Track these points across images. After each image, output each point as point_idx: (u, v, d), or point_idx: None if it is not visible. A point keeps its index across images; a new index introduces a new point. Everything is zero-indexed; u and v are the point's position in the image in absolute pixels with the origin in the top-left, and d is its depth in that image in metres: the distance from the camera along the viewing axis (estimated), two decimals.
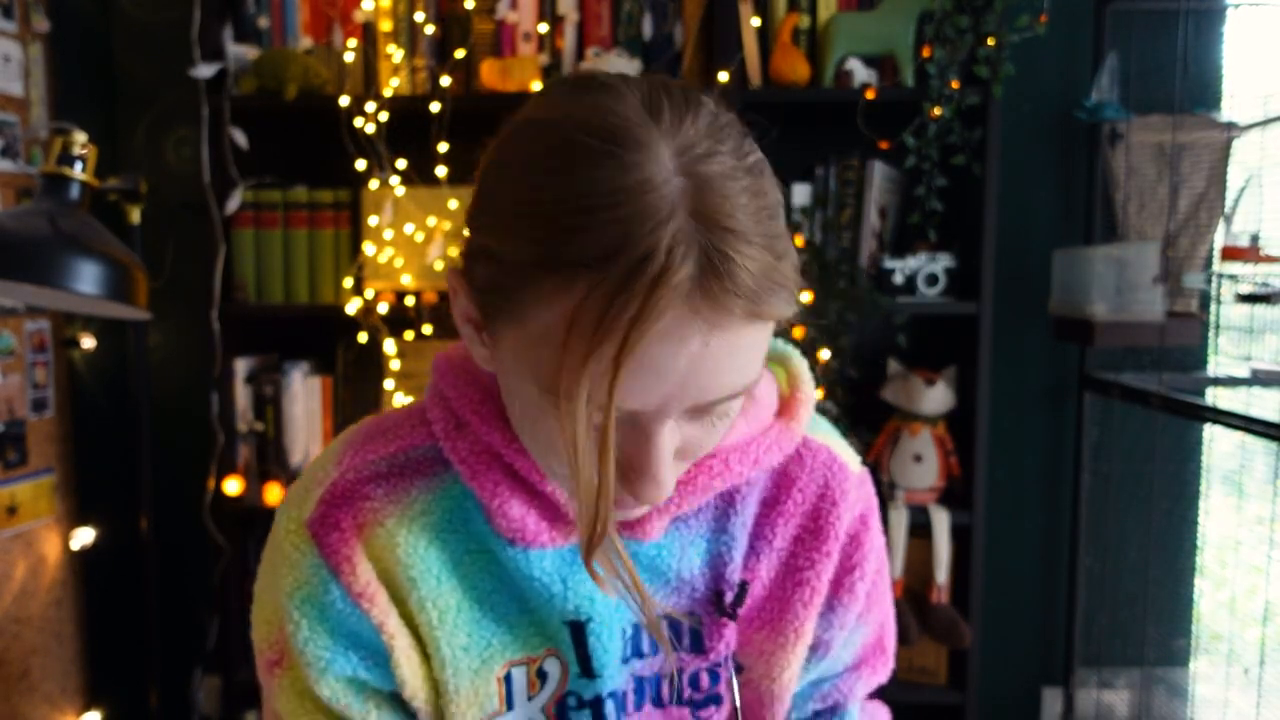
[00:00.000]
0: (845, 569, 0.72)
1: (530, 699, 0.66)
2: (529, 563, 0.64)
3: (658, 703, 0.70)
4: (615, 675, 0.67)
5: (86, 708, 2.20)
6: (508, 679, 0.66)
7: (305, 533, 0.64)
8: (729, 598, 0.68)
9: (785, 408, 0.70)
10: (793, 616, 0.69)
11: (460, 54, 1.96)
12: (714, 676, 0.70)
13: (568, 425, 0.50)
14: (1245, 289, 1.75)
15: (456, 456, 0.64)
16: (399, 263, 1.96)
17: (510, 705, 0.66)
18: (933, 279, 1.95)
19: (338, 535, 0.63)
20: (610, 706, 0.67)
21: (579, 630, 0.65)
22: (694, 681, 0.70)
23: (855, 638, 0.75)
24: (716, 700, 0.71)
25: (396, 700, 0.66)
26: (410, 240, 1.95)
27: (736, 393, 0.53)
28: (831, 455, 0.72)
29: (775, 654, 0.69)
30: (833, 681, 0.77)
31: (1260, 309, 1.73)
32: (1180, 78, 1.89)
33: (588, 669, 0.66)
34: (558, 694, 0.67)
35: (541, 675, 0.66)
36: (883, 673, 0.78)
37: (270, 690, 0.67)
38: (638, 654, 0.68)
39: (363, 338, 1.96)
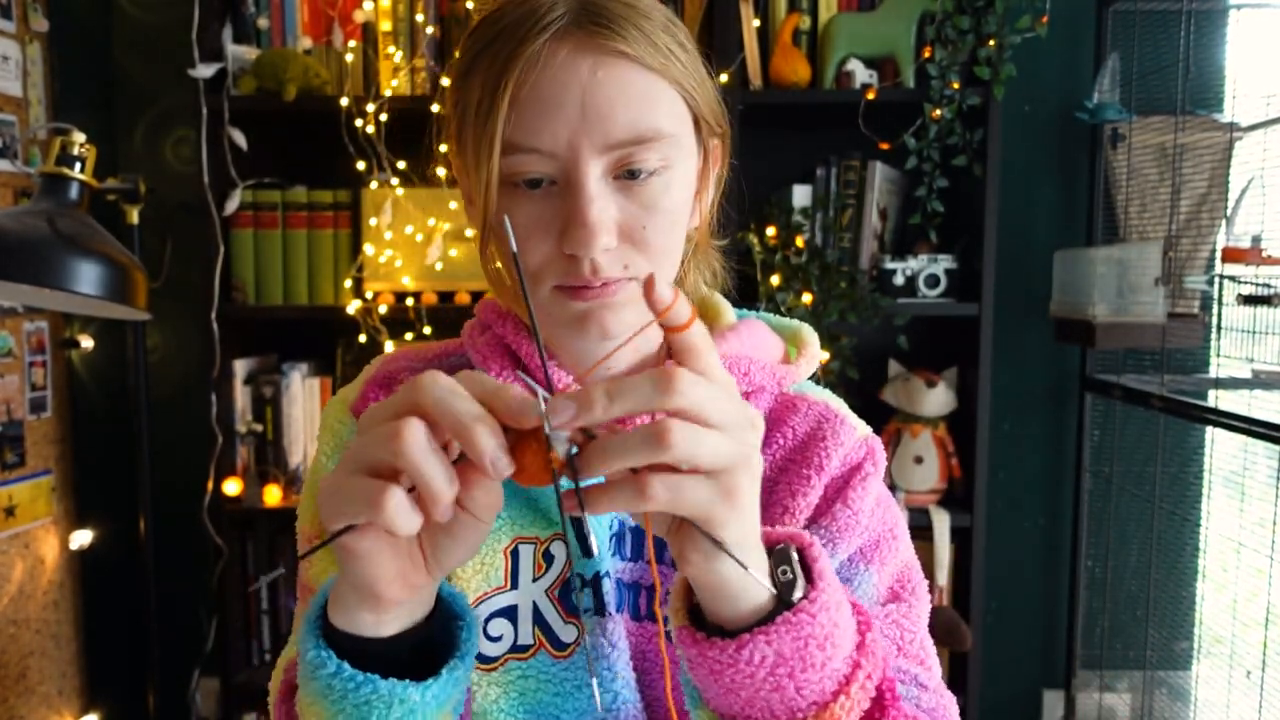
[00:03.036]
0: (830, 498, 0.72)
1: (535, 580, 0.70)
2: None
3: (635, 615, 0.71)
4: (607, 558, 0.70)
5: (84, 710, 2.19)
6: (514, 554, 0.70)
7: (348, 412, 0.75)
8: None
9: (789, 360, 0.76)
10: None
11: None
12: None
13: (483, 174, 0.61)
14: (1247, 290, 1.74)
15: (473, 348, 0.74)
16: (399, 263, 1.95)
17: (515, 584, 0.69)
18: (933, 280, 1.94)
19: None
20: (608, 584, 0.69)
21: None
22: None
23: (865, 586, 0.73)
24: None
25: None
26: (410, 241, 1.95)
27: (644, 134, 0.61)
28: (829, 409, 0.75)
29: None
30: None
31: (1262, 310, 1.72)
32: (1182, 79, 1.88)
33: (587, 548, 0.69)
34: (562, 575, 0.70)
35: (548, 558, 0.70)
36: (906, 617, 0.74)
37: (307, 564, 0.72)
38: (620, 555, 0.71)
39: (362, 339, 1.96)
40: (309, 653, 0.53)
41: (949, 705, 0.69)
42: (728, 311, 0.78)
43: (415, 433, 0.45)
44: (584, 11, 0.61)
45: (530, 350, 0.71)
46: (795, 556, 0.55)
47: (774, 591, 0.53)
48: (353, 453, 0.47)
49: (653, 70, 0.62)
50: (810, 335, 0.78)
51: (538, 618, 0.69)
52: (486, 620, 0.69)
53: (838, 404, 0.77)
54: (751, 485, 0.49)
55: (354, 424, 0.72)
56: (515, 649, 0.69)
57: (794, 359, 0.76)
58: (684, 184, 0.65)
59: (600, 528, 0.70)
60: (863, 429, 0.76)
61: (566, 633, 0.69)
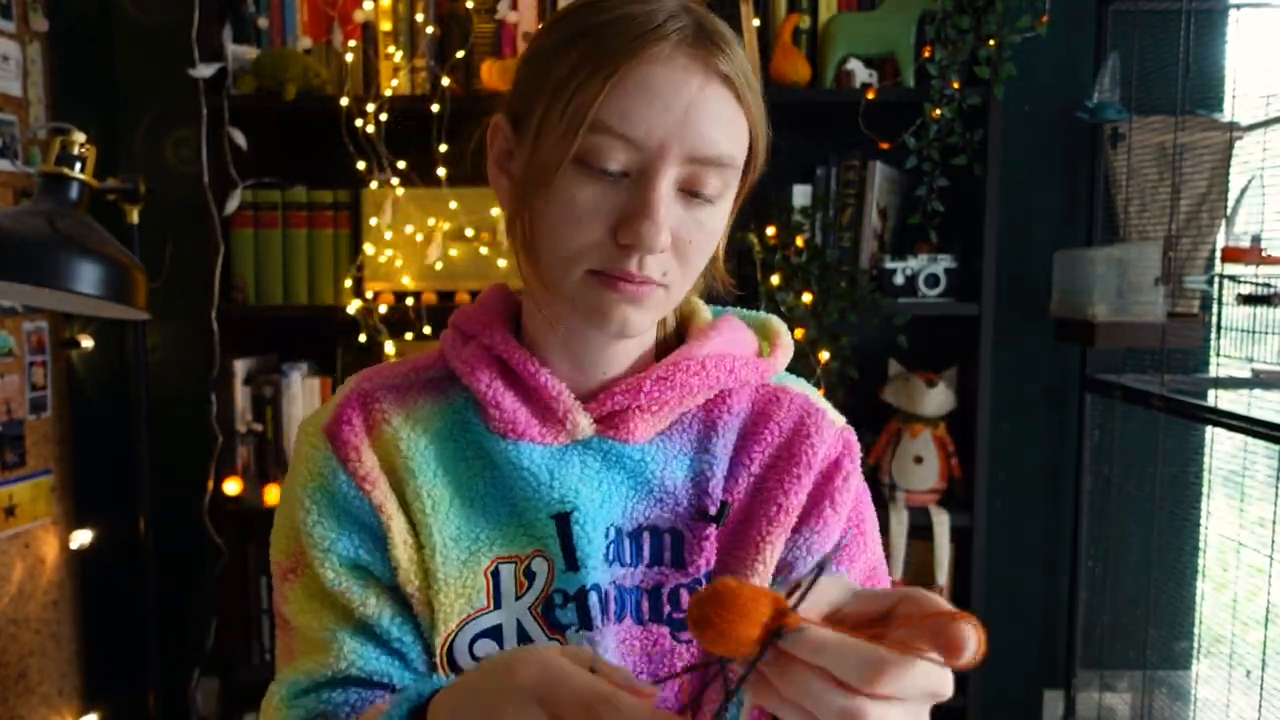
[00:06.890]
0: (816, 498, 0.74)
1: (518, 599, 0.70)
2: (519, 454, 0.69)
3: (639, 619, 0.71)
4: (598, 569, 0.70)
5: (84, 710, 2.19)
6: (495, 575, 0.70)
7: (322, 435, 0.72)
8: (712, 512, 0.72)
9: (761, 353, 0.79)
10: (757, 532, 0.72)
11: (460, 54, 1.96)
12: None
13: (557, 147, 0.61)
14: (1247, 290, 1.74)
15: (458, 359, 0.73)
16: (399, 263, 1.95)
17: (498, 604, 0.70)
18: (933, 280, 1.94)
19: (348, 429, 0.72)
20: (594, 599, 0.69)
21: (564, 522, 0.69)
22: (674, 599, 0.71)
23: None
24: None
25: (394, 593, 0.71)
26: (410, 241, 1.95)
27: (722, 158, 0.63)
28: (809, 402, 0.77)
29: (739, 568, 0.71)
30: None
31: (1262, 310, 1.72)
32: (1182, 78, 1.88)
33: (572, 561, 0.69)
34: (544, 593, 0.70)
35: (529, 575, 0.70)
36: None
37: (283, 599, 0.73)
38: (619, 560, 0.71)
39: (362, 338, 1.96)
40: None
41: None
42: (703, 309, 0.80)
43: None
44: (700, 29, 0.64)
45: (521, 358, 0.71)
46: None
47: None
48: None
49: (741, 101, 0.65)
50: (780, 326, 0.80)
51: (522, 636, 0.70)
52: (471, 642, 0.69)
53: (815, 395, 0.79)
54: None
55: (328, 448, 0.71)
56: None
57: (766, 352, 0.78)
58: (727, 211, 0.69)
59: (594, 538, 0.70)
60: (839, 420, 0.78)
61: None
